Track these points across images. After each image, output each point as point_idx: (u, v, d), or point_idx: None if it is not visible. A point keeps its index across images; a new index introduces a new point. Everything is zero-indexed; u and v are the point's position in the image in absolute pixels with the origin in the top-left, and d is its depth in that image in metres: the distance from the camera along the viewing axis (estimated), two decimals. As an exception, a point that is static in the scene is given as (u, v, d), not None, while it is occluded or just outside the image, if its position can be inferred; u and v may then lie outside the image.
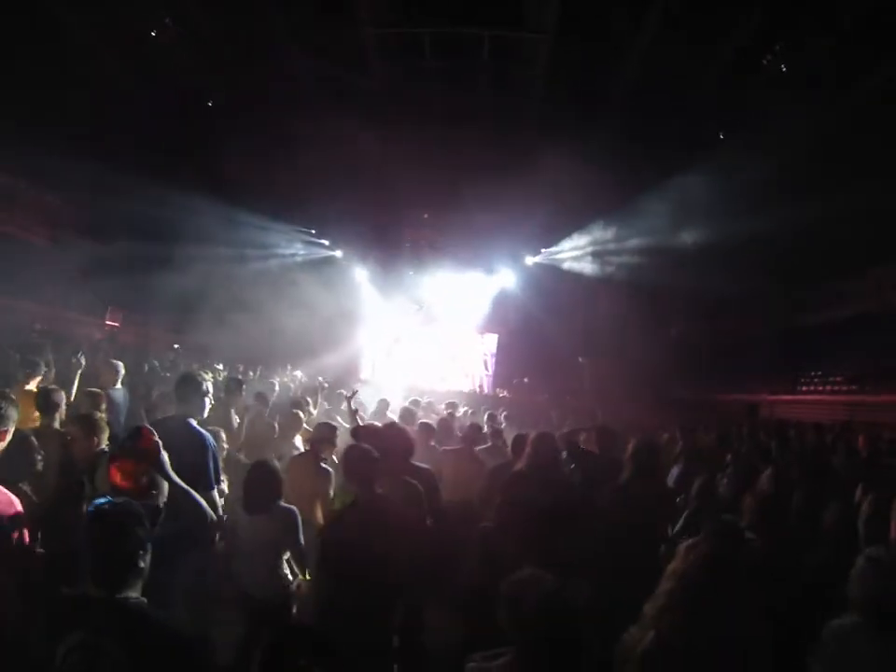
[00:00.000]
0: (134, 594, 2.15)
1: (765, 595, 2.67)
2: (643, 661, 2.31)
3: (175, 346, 13.03)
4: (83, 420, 4.09)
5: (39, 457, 3.85)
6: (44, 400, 4.61)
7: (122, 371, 6.86)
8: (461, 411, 9.89)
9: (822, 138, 11.27)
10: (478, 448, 6.16)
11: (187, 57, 11.76)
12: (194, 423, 3.85)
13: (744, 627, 2.31)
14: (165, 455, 2.99)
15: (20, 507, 2.94)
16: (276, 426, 6.48)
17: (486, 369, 20.95)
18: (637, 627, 2.43)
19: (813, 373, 15.02)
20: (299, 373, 12.51)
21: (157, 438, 3.01)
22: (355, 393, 6.98)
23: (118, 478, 2.86)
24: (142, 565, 2.18)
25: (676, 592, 2.34)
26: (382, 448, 4.48)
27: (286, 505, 4.01)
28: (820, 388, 14.39)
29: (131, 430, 3.10)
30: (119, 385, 6.71)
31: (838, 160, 11.33)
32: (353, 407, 6.63)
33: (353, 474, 3.67)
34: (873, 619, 2.45)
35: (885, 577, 2.48)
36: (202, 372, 4.53)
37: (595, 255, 17.42)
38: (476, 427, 6.61)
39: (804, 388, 14.93)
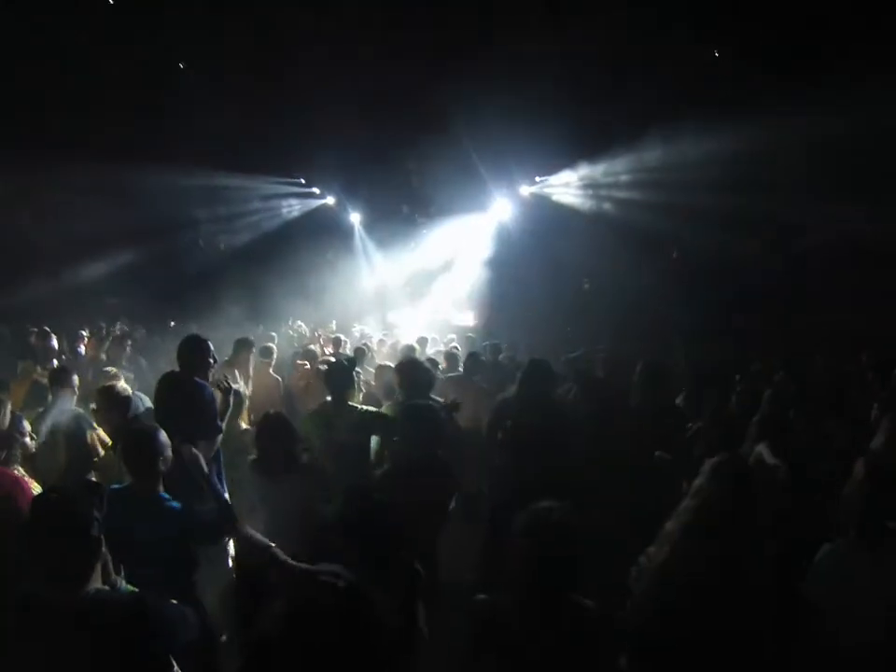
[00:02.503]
0: (96, 584, 1.94)
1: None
2: (658, 575, 2.30)
3: (171, 323, 12.83)
4: (104, 392, 4.17)
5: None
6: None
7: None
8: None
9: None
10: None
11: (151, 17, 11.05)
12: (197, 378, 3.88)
13: (756, 548, 2.31)
14: None
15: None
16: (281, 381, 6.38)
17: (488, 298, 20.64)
18: (654, 545, 2.40)
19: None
20: (301, 324, 12.44)
21: None
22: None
23: None
24: (101, 551, 1.96)
25: (701, 509, 2.30)
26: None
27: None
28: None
29: None
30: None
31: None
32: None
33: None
34: (862, 535, 2.42)
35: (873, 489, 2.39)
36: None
37: (594, 187, 16.94)
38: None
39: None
